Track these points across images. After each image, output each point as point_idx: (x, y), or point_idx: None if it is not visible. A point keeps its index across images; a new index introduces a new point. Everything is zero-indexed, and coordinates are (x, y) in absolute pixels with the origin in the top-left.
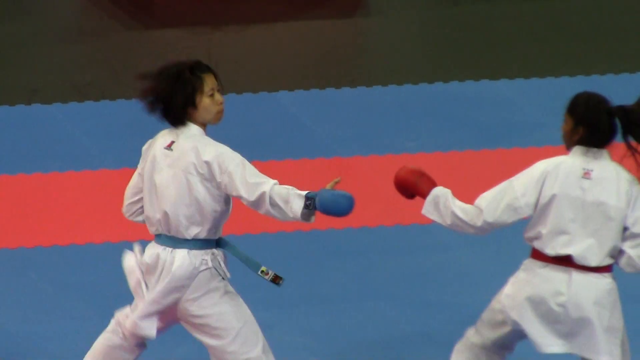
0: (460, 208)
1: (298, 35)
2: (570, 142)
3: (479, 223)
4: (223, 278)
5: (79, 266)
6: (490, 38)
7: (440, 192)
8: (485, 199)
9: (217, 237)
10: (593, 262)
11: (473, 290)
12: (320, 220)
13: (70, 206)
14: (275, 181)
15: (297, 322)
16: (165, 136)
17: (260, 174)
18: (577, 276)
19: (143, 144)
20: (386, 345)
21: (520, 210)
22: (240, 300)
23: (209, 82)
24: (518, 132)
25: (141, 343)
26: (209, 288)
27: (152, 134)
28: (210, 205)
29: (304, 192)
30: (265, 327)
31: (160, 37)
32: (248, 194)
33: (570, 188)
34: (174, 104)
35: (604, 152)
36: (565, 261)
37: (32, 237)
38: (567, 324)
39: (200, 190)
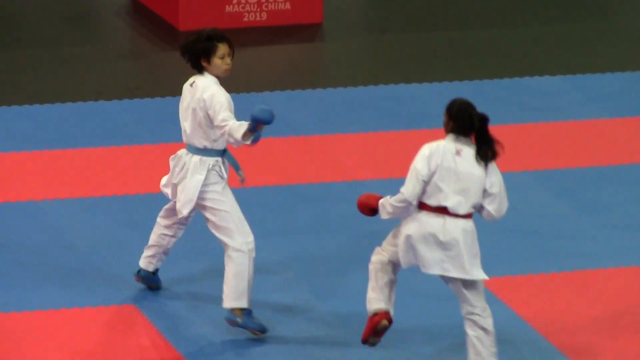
0: (394, 199)
1: (277, 54)
2: (446, 130)
3: (404, 203)
4: (222, 177)
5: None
6: (405, 54)
7: (381, 201)
8: (403, 186)
9: (222, 149)
10: (461, 212)
11: None
12: (292, 176)
13: (113, 168)
14: (234, 121)
15: (276, 247)
16: (193, 78)
17: (228, 116)
18: (449, 220)
19: (174, 128)
20: (339, 260)
21: (424, 179)
22: (232, 195)
23: (222, 48)
24: (423, 119)
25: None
26: (212, 182)
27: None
28: (209, 126)
29: (246, 122)
30: (256, 250)
31: None
32: (218, 128)
33: (447, 161)
34: (194, 57)
35: (469, 139)
36: (442, 210)
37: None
38: (444, 253)
39: (201, 116)
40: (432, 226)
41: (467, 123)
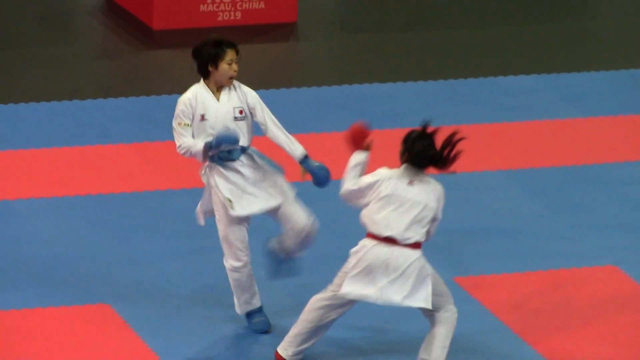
0: (349, 182)
1: (251, 54)
2: (401, 160)
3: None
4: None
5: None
6: (379, 54)
7: (354, 158)
8: (351, 184)
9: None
10: (410, 241)
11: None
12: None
13: (90, 169)
14: (183, 141)
15: (257, 245)
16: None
17: (179, 136)
18: (397, 250)
19: (148, 127)
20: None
21: (366, 186)
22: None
23: (230, 54)
24: (396, 119)
25: None
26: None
27: (154, 119)
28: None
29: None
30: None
31: (158, 55)
32: None
33: (399, 190)
34: (201, 61)
35: (422, 171)
36: (390, 240)
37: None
38: (395, 283)
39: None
40: (379, 256)
41: (422, 157)
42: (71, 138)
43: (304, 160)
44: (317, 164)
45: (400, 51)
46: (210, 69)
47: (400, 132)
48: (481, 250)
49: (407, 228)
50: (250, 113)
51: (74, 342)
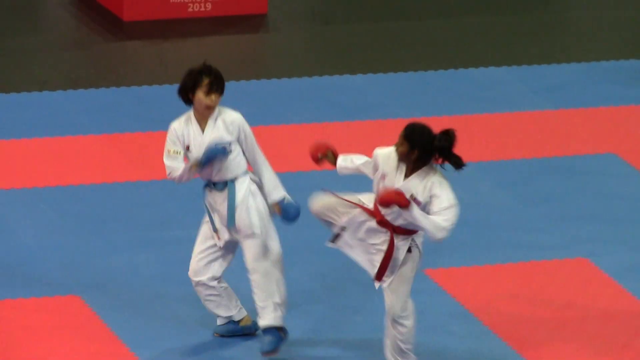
0: (443, 219)
1: (221, 45)
2: (408, 160)
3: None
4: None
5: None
6: (349, 46)
7: (419, 211)
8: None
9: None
10: None
11: None
12: None
13: (63, 160)
14: (173, 167)
15: None
16: None
17: (169, 160)
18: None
19: (118, 118)
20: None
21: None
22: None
23: (207, 82)
24: (367, 110)
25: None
26: None
27: (124, 111)
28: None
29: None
30: None
31: (128, 46)
32: None
33: None
34: (183, 89)
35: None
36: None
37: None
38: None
39: None
40: None
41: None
42: (41, 129)
43: (280, 200)
44: (290, 202)
45: (371, 43)
46: (190, 97)
47: (371, 124)
48: (451, 243)
49: None
50: (239, 141)
51: (44, 333)
